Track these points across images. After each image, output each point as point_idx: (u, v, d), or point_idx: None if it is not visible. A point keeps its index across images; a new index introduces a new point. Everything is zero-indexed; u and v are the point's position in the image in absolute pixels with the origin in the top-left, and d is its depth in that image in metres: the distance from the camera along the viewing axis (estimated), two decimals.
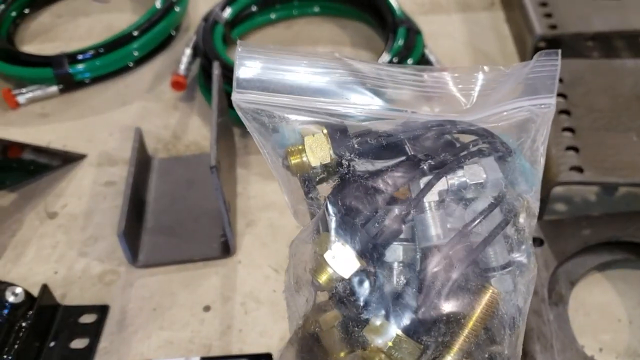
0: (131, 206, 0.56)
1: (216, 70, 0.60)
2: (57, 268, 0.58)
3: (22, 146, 0.70)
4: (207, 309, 0.54)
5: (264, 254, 0.58)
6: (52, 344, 0.51)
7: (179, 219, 0.60)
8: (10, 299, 0.49)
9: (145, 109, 0.74)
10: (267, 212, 0.61)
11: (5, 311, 0.48)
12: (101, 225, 0.61)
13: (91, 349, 0.51)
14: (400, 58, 0.70)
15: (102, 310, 0.53)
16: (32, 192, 0.65)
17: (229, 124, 0.66)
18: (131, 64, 0.78)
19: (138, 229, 0.59)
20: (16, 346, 0.48)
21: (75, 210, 0.63)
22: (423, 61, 0.74)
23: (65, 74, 0.74)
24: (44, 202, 0.64)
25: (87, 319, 0.53)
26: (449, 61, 0.74)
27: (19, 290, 0.50)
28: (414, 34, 0.73)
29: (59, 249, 0.59)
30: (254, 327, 0.52)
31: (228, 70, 0.67)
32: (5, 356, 0.47)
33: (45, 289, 0.52)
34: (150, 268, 0.57)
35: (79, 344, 0.51)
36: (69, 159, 0.68)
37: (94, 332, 0.52)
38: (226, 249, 0.57)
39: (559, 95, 0.57)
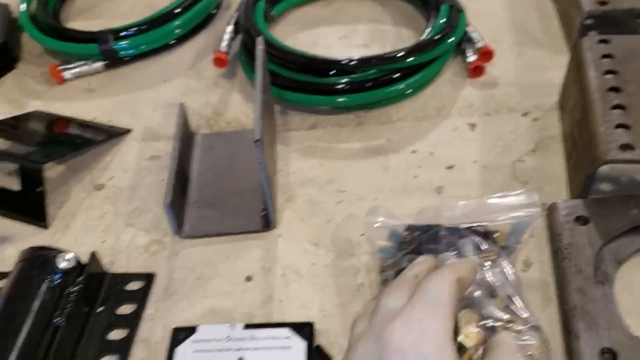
0: (176, 179, 0.58)
1: (259, 46, 0.61)
2: (105, 238, 0.59)
3: (69, 120, 0.72)
4: (248, 279, 0.55)
5: (303, 228, 0.58)
6: (99, 309, 0.53)
7: (222, 194, 0.61)
8: (62, 265, 0.51)
9: (186, 86, 0.75)
10: (305, 189, 0.62)
11: (57, 276, 0.50)
12: (146, 198, 0.63)
13: (137, 314, 0.52)
14: (442, 36, 0.69)
15: (148, 278, 0.55)
16: (79, 165, 0.67)
17: (271, 101, 0.67)
18: (173, 42, 0.79)
19: (182, 202, 0.60)
20: (67, 310, 0.50)
21: (121, 183, 0.65)
22: (465, 39, 0.73)
23: (110, 50, 0.75)
24: (90, 175, 0.66)
25: (134, 286, 0.55)
26: (492, 40, 0.73)
27: (70, 256, 0.51)
28: (456, 12, 0.72)
29: (106, 219, 0.61)
30: (294, 298, 0.53)
31: (270, 47, 0.68)
32: (57, 319, 0.48)
33: (94, 256, 0.54)
34: (194, 239, 0.58)
35: (125, 309, 0.53)
36: (114, 134, 0.69)
37: (140, 298, 0.53)
38: (267, 223, 0.58)
39: (609, 72, 0.56)
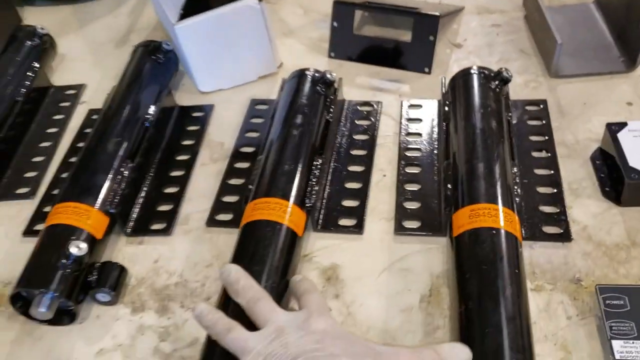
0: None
1: None
2: None
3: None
4: (629, 104, 0.66)
5: None
6: (514, 121, 0.65)
7: (577, 47, 0.73)
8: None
9: None
10: None
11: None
12: (506, 51, 0.75)
13: (549, 125, 0.64)
14: None
15: (542, 104, 0.67)
16: None
17: None
18: None
19: None
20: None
21: (478, 42, 0.77)
22: None
23: None
24: (446, 38, 0.78)
25: (532, 107, 0.67)
26: None
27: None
28: None
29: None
30: None
31: None
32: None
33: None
34: (565, 78, 0.70)
35: (535, 122, 0.65)
36: (452, 8, 0.81)
37: (545, 116, 0.65)
38: (630, 63, 0.69)
39: None
